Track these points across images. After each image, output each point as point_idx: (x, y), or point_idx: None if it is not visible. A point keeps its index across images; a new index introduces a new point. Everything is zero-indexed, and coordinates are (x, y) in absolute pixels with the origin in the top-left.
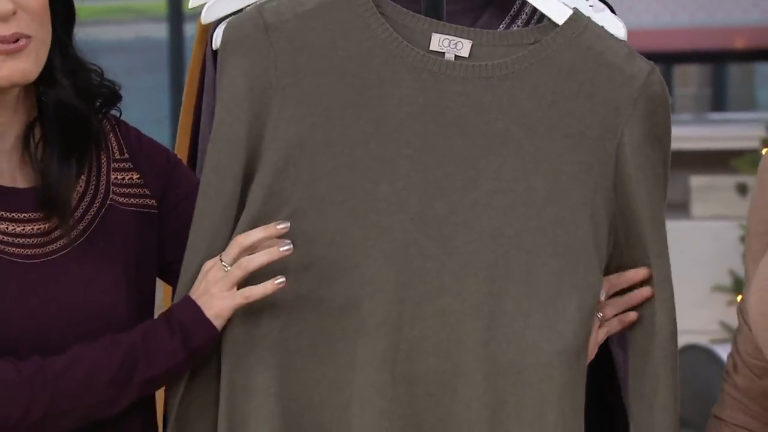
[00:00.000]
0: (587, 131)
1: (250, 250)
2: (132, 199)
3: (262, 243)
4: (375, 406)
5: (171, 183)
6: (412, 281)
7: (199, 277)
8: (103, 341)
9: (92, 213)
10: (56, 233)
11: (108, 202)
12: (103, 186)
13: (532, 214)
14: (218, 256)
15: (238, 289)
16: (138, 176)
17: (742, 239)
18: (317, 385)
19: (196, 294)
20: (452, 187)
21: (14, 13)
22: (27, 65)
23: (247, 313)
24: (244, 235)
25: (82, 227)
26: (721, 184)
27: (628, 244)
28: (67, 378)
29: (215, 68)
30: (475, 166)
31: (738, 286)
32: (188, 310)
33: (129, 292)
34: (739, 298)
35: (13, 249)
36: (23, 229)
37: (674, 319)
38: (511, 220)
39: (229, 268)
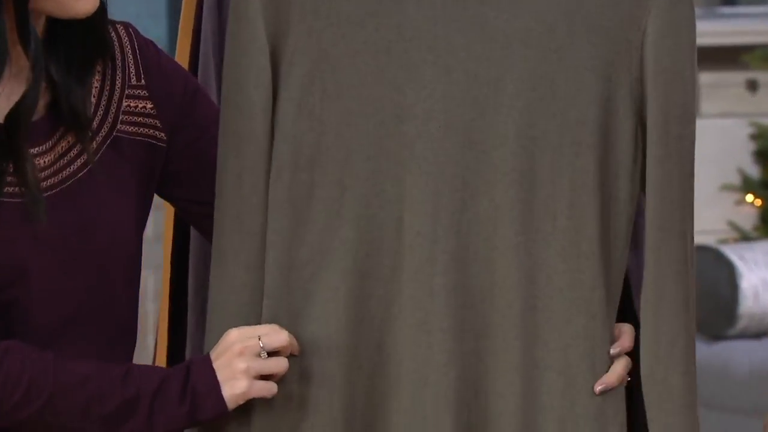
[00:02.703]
0: (609, 25)
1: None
2: (140, 129)
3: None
4: (415, 319)
5: (186, 117)
6: (445, 191)
7: (225, 342)
8: (120, 372)
9: (97, 143)
10: (56, 166)
11: (114, 133)
12: (112, 114)
13: (556, 112)
14: (257, 334)
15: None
16: (151, 106)
17: (752, 137)
18: (365, 302)
19: (219, 362)
20: (476, 90)
21: None
22: None
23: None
24: (290, 336)
25: (85, 158)
26: (731, 81)
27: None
28: (68, 396)
29: None
30: (497, 68)
31: (747, 184)
32: (207, 381)
33: (131, 222)
34: (747, 197)
35: (13, 187)
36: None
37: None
38: (536, 121)
39: (265, 353)
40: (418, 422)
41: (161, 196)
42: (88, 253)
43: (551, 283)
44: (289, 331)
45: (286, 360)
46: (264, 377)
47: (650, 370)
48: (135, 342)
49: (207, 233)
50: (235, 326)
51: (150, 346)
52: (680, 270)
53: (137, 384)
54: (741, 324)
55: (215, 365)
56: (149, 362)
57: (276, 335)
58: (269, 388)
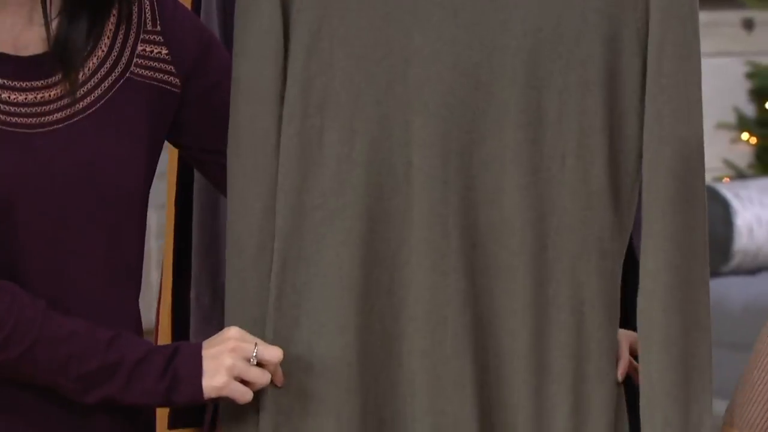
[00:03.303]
0: None
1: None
2: (155, 74)
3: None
4: (429, 261)
5: (200, 66)
6: (454, 133)
7: (223, 335)
8: (108, 336)
9: (109, 83)
10: (61, 102)
11: (127, 75)
12: (126, 57)
13: (563, 53)
14: (255, 341)
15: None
16: (166, 52)
17: (748, 76)
18: (376, 246)
19: (208, 351)
20: (483, 32)
21: None
22: None
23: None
24: (282, 352)
25: (95, 96)
26: (727, 20)
27: None
28: (51, 347)
29: None
30: (503, 10)
31: (742, 123)
32: (191, 366)
33: (140, 164)
34: (743, 135)
35: (12, 118)
36: (25, 98)
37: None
38: (543, 61)
39: (255, 360)
40: (438, 363)
41: (172, 143)
42: (92, 189)
43: (561, 222)
44: (302, 273)
45: (269, 375)
46: (245, 383)
47: (639, 303)
48: (140, 281)
49: (216, 181)
50: (254, 268)
51: (153, 282)
52: (666, 208)
53: (122, 351)
54: (735, 260)
55: (204, 353)
56: (153, 299)
57: (272, 349)
58: (244, 393)
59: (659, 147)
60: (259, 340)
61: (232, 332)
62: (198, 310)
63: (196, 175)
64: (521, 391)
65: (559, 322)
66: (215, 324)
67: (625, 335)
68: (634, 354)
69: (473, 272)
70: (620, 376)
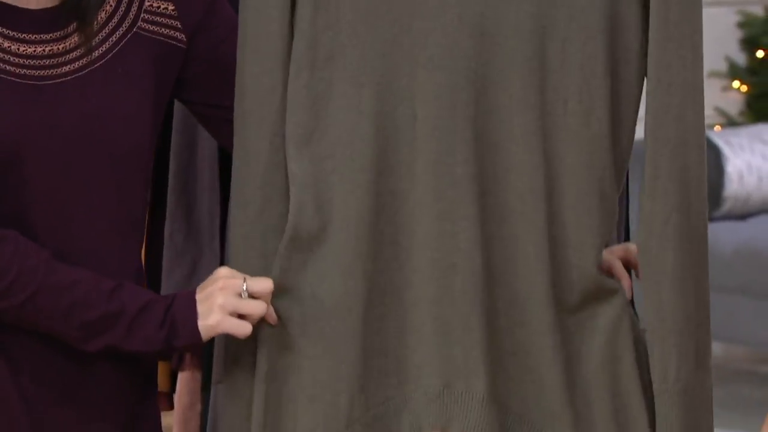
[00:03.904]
0: None
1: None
2: (161, 29)
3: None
4: (436, 210)
5: (206, 22)
6: (460, 84)
7: (213, 277)
8: (110, 286)
9: (116, 37)
10: (71, 55)
11: (135, 29)
12: (134, 12)
13: (565, 1)
14: (243, 276)
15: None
16: (173, 8)
17: (739, 25)
18: (380, 195)
19: (201, 294)
20: None
21: None
22: None
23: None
24: (272, 282)
25: (103, 50)
26: None
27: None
28: (53, 295)
29: None
30: None
31: (734, 71)
32: (186, 310)
33: (146, 118)
34: (734, 83)
35: (22, 70)
36: (34, 51)
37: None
38: (546, 10)
39: (246, 294)
40: (447, 309)
41: (179, 99)
42: (99, 142)
43: (565, 165)
44: (314, 219)
45: (264, 304)
46: (242, 317)
47: (645, 245)
48: (144, 232)
49: (219, 135)
50: (259, 220)
51: None
52: (676, 150)
53: (124, 300)
54: (726, 206)
55: (197, 296)
56: None
57: (261, 282)
58: (241, 326)
59: (667, 94)
60: (247, 276)
61: (221, 272)
62: (171, 246)
63: (176, 115)
64: (537, 330)
65: (564, 260)
66: (188, 259)
67: (615, 254)
68: (626, 265)
69: (483, 219)
70: (629, 292)
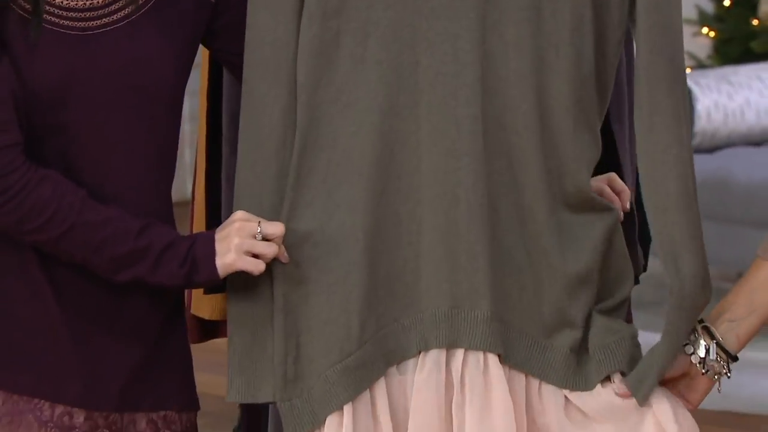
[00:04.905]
0: None
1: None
2: None
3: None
4: (439, 147)
5: None
6: (461, 32)
7: (231, 219)
8: (139, 224)
9: None
10: (112, 7)
11: None
12: None
13: None
14: (258, 220)
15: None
16: None
17: None
18: (385, 135)
19: (219, 234)
20: None
21: None
22: None
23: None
24: (284, 226)
25: (141, 1)
26: None
27: None
28: (87, 231)
29: None
30: None
31: (702, 18)
32: (205, 248)
33: (179, 63)
34: (703, 29)
35: (66, 21)
36: (76, 3)
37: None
38: None
39: (260, 236)
40: (452, 238)
41: (205, 46)
42: (137, 86)
43: (559, 104)
44: (319, 160)
45: (276, 246)
46: (257, 256)
47: (649, 175)
48: (174, 167)
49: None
50: (275, 160)
51: (186, 161)
52: (670, 87)
53: (151, 238)
54: (696, 140)
55: (216, 236)
56: (186, 175)
57: (274, 225)
58: (255, 264)
59: (662, 35)
60: (262, 219)
61: (238, 215)
62: (228, 188)
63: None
64: (536, 252)
65: (564, 190)
66: None
67: (602, 182)
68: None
69: (485, 154)
70: (621, 213)
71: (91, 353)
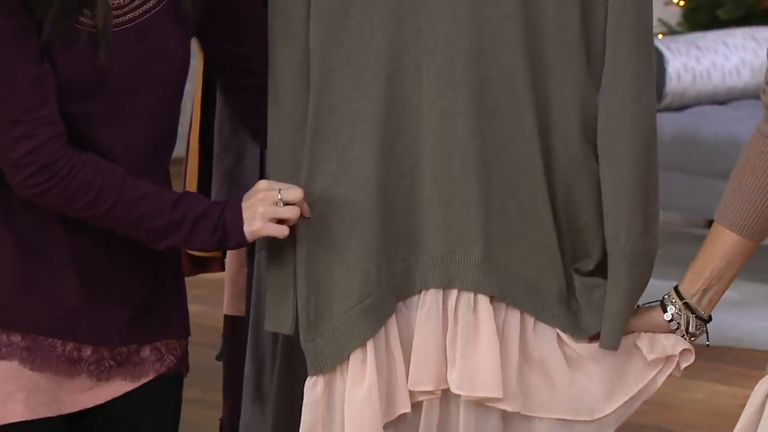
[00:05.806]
0: None
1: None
2: None
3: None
4: (439, 106)
5: None
6: (458, 2)
7: (255, 189)
8: (173, 196)
9: None
10: (129, 6)
11: None
12: None
13: None
14: (279, 188)
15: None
16: None
17: None
18: (391, 96)
19: (245, 204)
20: None
21: None
22: None
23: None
24: (302, 191)
25: (154, 2)
26: None
27: None
28: (127, 206)
29: None
30: None
31: None
32: (234, 216)
33: (186, 54)
34: None
35: (91, 20)
36: None
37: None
38: None
39: (282, 203)
40: (448, 188)
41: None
42: (153, 75)
43: (549, 67)
44: (332, 120)
45: (297, 209)
46: (281, 221)
47: (602, 133)
48: (174, 143)
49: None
50: (291, 117)
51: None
52: (632, 53)
53: (184, 210)
54: (667, 100)
55: (243, 205)
56: (183, 130)
57: (294, 191)
58: (280, 229)
59: (625, 6)
60: (283, 185)
61: (261, 185)
62: (220, 138)
63: None
64: (527, 202)
65: (557, 151)
66: (233, 149)
67: None
68: None
69: (480, 114)
70: None
71: (99, 296)
